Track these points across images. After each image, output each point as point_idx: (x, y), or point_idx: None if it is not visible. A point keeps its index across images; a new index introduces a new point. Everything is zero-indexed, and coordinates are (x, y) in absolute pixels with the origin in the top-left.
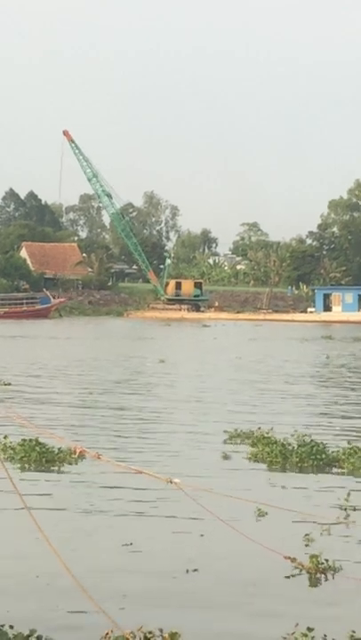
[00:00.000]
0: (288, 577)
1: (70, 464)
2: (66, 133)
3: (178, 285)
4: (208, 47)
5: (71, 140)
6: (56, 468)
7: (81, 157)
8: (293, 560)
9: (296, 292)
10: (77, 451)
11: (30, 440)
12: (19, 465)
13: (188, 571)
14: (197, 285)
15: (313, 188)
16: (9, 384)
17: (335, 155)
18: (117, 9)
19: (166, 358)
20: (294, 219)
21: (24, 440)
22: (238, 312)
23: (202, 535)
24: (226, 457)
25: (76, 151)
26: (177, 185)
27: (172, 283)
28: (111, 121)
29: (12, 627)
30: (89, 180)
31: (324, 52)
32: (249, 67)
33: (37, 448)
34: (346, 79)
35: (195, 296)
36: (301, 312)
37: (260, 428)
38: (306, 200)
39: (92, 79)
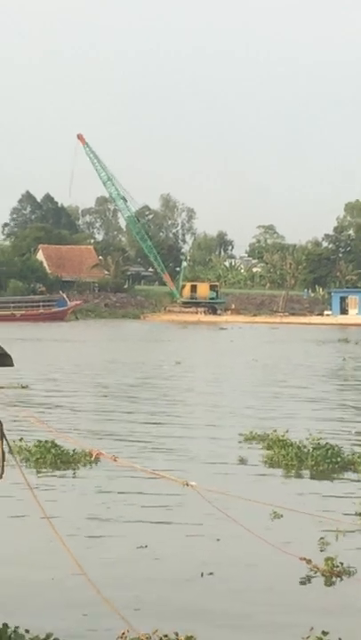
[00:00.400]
0: (303, 580)
1: (85, 466)
2: (80, 137)
3: (193, 288)
4: (208, 47)
5: (85, 144)
6: (71, 470)
7: (95, 161)
8: (309, 562)
9: (312, 294)
10: (94, 453)
11: (46, 442)
12: (34, 466)
13: (202, 574)
14: (213, 288)
15: (313, 187)
16: (26, 387)
17: (335, 155)
18: (117, 9)
19: (183, 361)
20: (310, 221)
21: (39, 442)
22: (255, 315)
23: (218, 539)
24: (241, 460)
25: (91, 155)
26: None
27: (188, 286)
28: (111, 121)
29: (27, 631)
30: (104, 183)
31: (324, 51)
32: (249, 67)
33: (53, 450)
34: (346, 79)
35: (210, 299)
36: (318, 315)
37: (275, 431)
38: (316, 201)
39: (91, 79)
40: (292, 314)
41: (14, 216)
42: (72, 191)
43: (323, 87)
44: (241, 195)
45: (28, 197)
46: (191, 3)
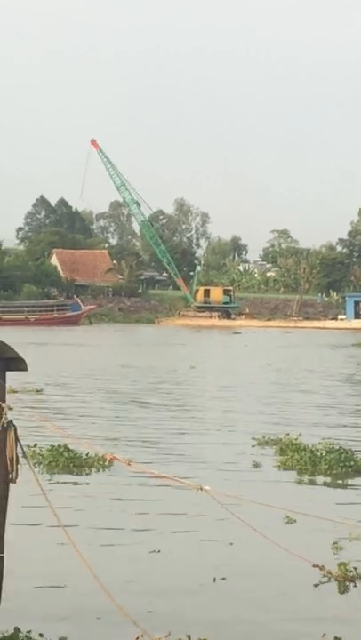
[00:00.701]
0: (317, 585)
1: (98, 470)
2: (93, 142)
3: (207, 293)
4: (208, 47)
5: (99, 149)
6: (84, 474)
7: (109, 166)
8: (322, 568)
9: (326, 299)
10: (108, 457)
11: (59, 446)
12: (46, 470)
13: (215, 579)
14: (226, 292)
15: (313, 187)
16: (40, 391)
17: (335, 155)
18: (117, 9)
19: (197, 365)
20: (324, 225)
21: (52, 446)
22: (269, 319)
23: (231, 544)
24: (255, 464)
25: (104, 160)
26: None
27: (201, 290)
28: (111, 121)
29: (41, 635)
30: (117, 188)
31: (324, 51)
32: (249, 67)
33: (65, 454)
34: (346, 79)
35: (224, 303)
36: (332, 319)
37: (288, 435)
38: (316, 202)
39: (91, 79)
40: (306, 318)
41: (29, 220)
42: (84, 196)
43: (323, 87)
44: (241, 195)
45: (42, 202)
46: (191, 3)
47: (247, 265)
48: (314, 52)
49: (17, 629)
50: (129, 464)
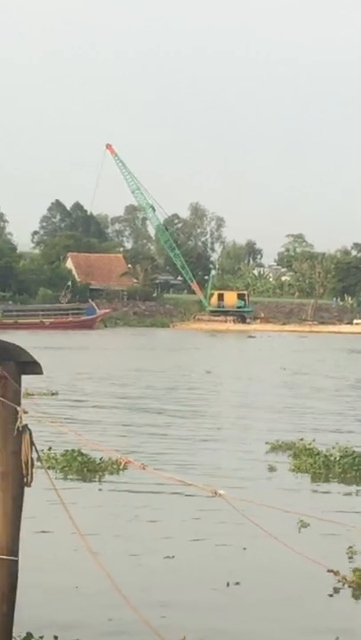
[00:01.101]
0: (331, 591)
1: (112, 474)
2: (109, 147)
3: (221, 297)
4: (208, 47)
5: (115, 154)
6: (97, 478)
7: (124, 170)
8: (337, 573)
9: (341, 303)
10: (122, 461)
11: (73, 450)
12: (60, 474)
13: (228, 584)
14: (241, 297)
15: (313, 188)
16: (55, 394)
17: (335, 155)
18: (117, 9)
19: (212, 369)
20: (339, 230)
21: (66, 450)
22: (284, 324)
23: (244, 548)
24: (269, 468)
25: (120, 164)
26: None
27: (216, 294)
28: (112, 121)
29: (56, 637)
30: (132, 192)
31: (324, 51)
32: (249, 67)
33: (79, 458)
34: (346, 79)
35: (238, 307)
36: (347, 324)
37: (302, 440)
38: (317, 202)
39: (91, 79)
40: (321, 322)
41: (44, 224)
42: (96, 200)
43: (323, 87)
44: (240, 193)
45: (57, 205)
46: (191, 3)
47: (262, 269)
48: (314, 52)
49: (29, 634)
50: (143, 468)
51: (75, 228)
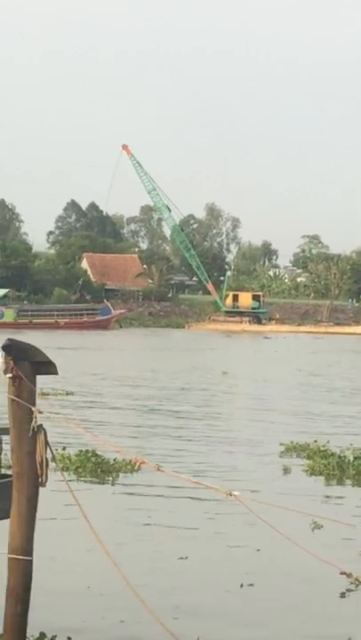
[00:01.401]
0: (343, 593)
1: (126, 475)
2: (125, 147)
3: (235, 298)
4: (208, 47)
5: (131, 155)
6: (111, 479)
7: (140, 171)
8: (349, 576)
9: (356, 304)
10: (138, 462)
11: (87, 451)
12: (73, 475)
13: (242, 585)
14: (255, 298)
15: (313, 188)
16: (71, 393)
17: (335, 155)
18: (117, 9)
19: (228, 370)
20: (355, 231)
21: (80, 451)
22: (299, 325)
23: (258, 550)
24: (283, 470)
25: (136, 165)
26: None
27: (230, 295)
28: (114, 122)
29: (69, 638)
30: (148, 192)
31: (324, 51)
32: (249, 67)
33: (93, 459)
34: (346, 79)
35: (252, 308)
36: None
37: (316, 441)
38: (315, 202)
39: (91, 79)
40: (337, 324)
41: (59, 224)
42: (112, 201)
43: (323, 87)
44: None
45: (73, 206)
46: (191, 3)
47: (278, 270)
48: (314, 52)
49: (42, 634)
50: (158, 469)
51: (90, 228)
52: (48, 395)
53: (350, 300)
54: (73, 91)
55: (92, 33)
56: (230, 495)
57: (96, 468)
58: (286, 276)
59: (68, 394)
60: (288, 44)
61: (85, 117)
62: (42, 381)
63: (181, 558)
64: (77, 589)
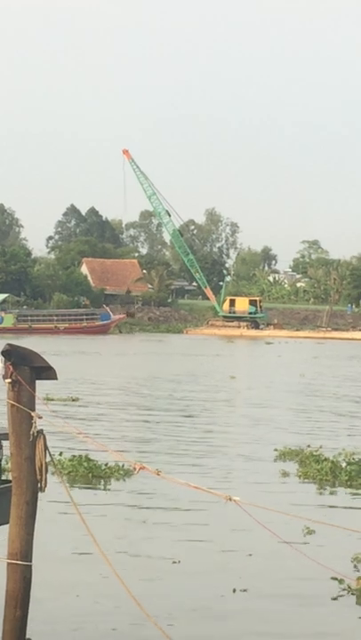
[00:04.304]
0: (335, 598)
1: (118, 480)
2: (125, 152)
3: (232, 302)
4: (206, 49)
5: (131, 159)
6: (103, 484)
7: (140, 175)
8: (341, 581)
9: (356, 310)
10: (137, 467)
11: (80, 456)
12: (66, 479)
13: (235, 590)
14: (252, 303)
15: (313, 193)
16: (77, 399)
17: (335, 160)
18: (117, 9)
19: (235, 375)
20: (355, 236)
21: (74, 456)
22: (297, 330)
23: (250, 555)
24: (277, 474)
25: (136, 169)
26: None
27: (228, 300)
28: (128, 127)
29: None
30: (149, 197)
31: (324, 50)
32: (247, 70)
33: (85, 464)
34: (346, 78)
35: (249, 313)
36: (360, 330)
37: (309, 446)
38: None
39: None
40: (335, 329)
41: (59, 229)
42: (110, 205)
43: (322, 88)
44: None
45: (72, 211)
46: (191, 3)
47: (277, 275)
48: (314, 52)
49: None
50: (158, 474)
51: (90, 233)
52: (52, 400)
53: (350, 306)
54: (72, 96)
55: (90, 37)
56: (230, 500)
57: (87, 474)
58: (286, 281)
59: (73, 399)
60: (288, 45)
61: (84, 122)
62: (47, 386)
63: (175, 563)
64: (67, 595)
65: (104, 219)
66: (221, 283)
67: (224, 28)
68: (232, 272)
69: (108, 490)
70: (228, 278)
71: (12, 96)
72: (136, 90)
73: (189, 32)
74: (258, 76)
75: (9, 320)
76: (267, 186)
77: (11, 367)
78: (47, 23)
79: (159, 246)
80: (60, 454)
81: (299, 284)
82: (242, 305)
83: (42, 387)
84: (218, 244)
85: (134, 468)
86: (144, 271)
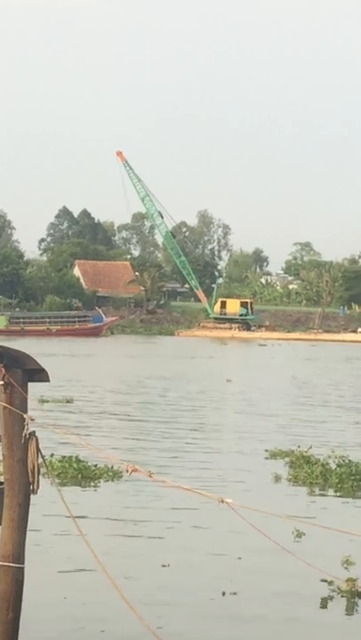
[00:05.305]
0: (325, 600)
1: (108, 481)
2: (119, 154)
3: (223, 304)
4: (203, 51)
5: (125, 161)
6: (93, 485)
7: (133, 177)
8: (331, 583)
9: (348, 312)
10: (129, 469)
11: (70, 457)
12: (57, 481)
13: (224, 593)
14: (243, 305)
15: (304, 195)
16: (71, 401)
17: (327, 162)
18: (117, 9)
19: (230, 378)
20: (347, 238)
21: (64, 457)
22: (289, 332)
23: (239, 558)
24: (267, 476)
25: (129, 171)
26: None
27: (219, 302)
28: (121, 129)
29: None
30: (142, 199)
31: (323, 51)
32: (243, 73)
33: (75, 465)
34: (346, 79)
35: (240, 315)
36: (351, 332)
37: (299, 447)
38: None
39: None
40: (327, 331)
41: (51, 231)
42: (103, 207)
43: (321, 90)
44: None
45: (65, 213)
46: (190, 4)
47: (269, 277)
48: (314, 53)
49: None
50: (150, 476)
51: (82, 235)
52: (47, 401)
53: (342, 308)
54: (72, 96)
55: (90, 37)
56: (223, 502)
57: (77, 475)
58: (278, 283)
59: (68, 401)
60: (288, 45)
61: (77, 124)
62: (42, 388)
63: (164, 566)
64: (55, 598)
65: (96, 221)
66: (214, 285)
67: (224, 28)
68: (224, 274)
69: (98, 491)
70: (220, 280)
71: (12, 96)
72: (136, 90)
73: (189, 32)
74: (258, 75)
75: (1, 322)
76: (266, 186)
77: (3, 369)
78: (47, 23)
79: (151, 248)
80: (52, 455)
81: (291, 286)
82: (233, 307)
83: (35, 389)
84: (210, 246)
85: (126, 470)
86: (136, 273)
